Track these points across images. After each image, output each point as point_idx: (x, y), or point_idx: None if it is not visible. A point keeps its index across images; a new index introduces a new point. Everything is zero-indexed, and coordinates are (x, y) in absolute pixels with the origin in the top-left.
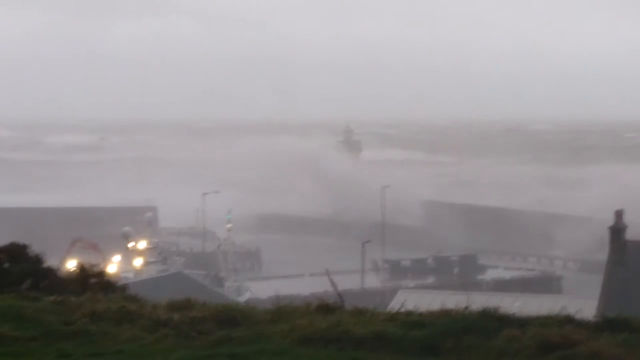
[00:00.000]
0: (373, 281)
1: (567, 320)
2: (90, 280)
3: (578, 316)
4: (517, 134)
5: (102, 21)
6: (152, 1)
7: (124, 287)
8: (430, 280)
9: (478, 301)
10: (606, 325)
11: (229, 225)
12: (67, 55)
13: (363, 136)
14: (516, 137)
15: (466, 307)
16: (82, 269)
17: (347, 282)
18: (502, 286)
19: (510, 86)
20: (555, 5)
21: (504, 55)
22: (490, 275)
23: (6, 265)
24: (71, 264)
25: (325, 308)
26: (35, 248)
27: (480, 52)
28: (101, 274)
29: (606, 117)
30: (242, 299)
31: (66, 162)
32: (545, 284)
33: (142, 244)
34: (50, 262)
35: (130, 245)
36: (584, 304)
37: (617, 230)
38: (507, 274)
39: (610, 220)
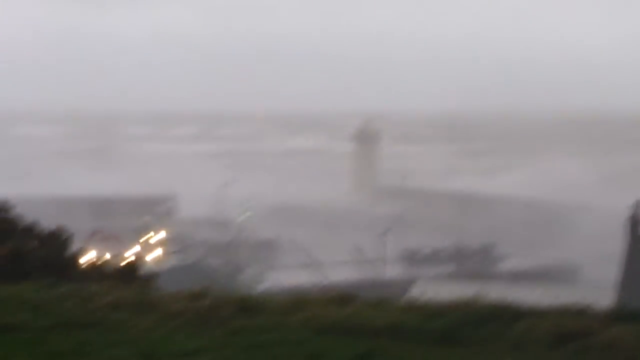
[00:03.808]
0: (392, 271)
1: (584, 311)
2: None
3: (594, 307)
4: (533, 123)
5: (98, 10)
6: None
7: (152, 276)
8: (449, 270)
9: (496, 291)
10: (622, 315)
11: (247, 214)
12: (61, 44)
13: (381, 127)
14: (533, 126)
15: (483, 298)
16: (102, 258)
17: (366, 272)
18: (519, 276)
19: (523, 74)
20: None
21: (515, 44)
22: (508, 265)
23: (30, 252)
24: (91, 255)
25: (343, 298)
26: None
27: (491, 41)
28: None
29: (629, 108)
30: (260, 288)
31: (80, 152)
32: (562, 274)
33: (162, 234)
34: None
35: (150, 235)
36: (600, 295)
37: (634, 221)
38: (525, 264)
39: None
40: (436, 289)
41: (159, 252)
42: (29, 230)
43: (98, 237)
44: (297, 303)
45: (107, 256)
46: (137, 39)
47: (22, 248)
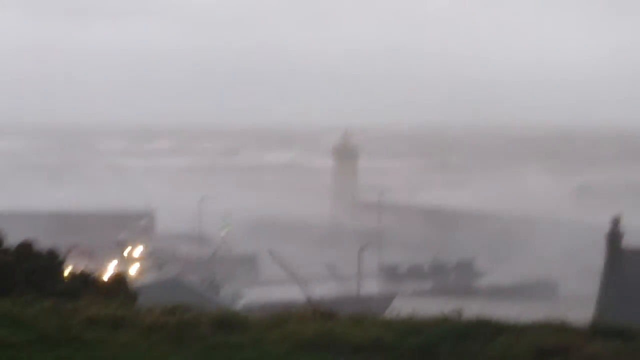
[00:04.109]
0: (370, 287)
1: (563, 327)
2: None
3: (574, 323)
4: (514, 139)
5: (75, 24)
6: (129, 3)
7: (130, 292)
8: (427, 286)
9: (474, 307)
10: (602, 332)
11: (225, 230)
12: (38, 58)
13: (359, 142)
14: (513, 142)
15: (462, 314)
16: (81, 274)
17: (345, 288)
18: (498, 292)
19: (499, 91)
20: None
21: (491, 62)
22: (486, 281)
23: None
24: (69, 271)
25: (322, 314)
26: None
27: (467, 58)
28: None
29: (613, 123)
30: (238, 305)
31: (55, 166)
32: (541, 290)
33: (138, 251)
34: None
35: (126, 251)
36: (580, 311)
37: (614, 237)
38: (504, 280)
39: (607, 226)
40: (415, 304)
41: (136, 267)
42: (9, 245)
43: (75, 252)
44: (276, 319)
45: (85, 272)
46: (114, 53)
47: (2, 262)
